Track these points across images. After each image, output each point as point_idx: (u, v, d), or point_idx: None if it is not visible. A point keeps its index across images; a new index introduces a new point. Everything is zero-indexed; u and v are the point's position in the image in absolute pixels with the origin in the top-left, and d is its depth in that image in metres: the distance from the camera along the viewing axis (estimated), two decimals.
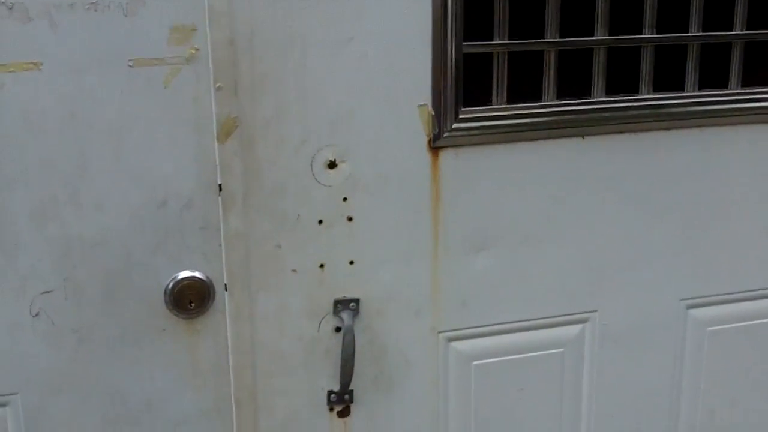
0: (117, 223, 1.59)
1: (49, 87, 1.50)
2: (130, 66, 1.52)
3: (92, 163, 1.55)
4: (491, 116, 1.75)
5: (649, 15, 1.80)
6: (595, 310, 1.92)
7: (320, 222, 1.70)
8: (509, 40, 1.73)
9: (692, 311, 2.01)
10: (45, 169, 1.53)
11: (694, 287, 1.99)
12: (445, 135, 1.72)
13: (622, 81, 1.85)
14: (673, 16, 1.84)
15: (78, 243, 1.58)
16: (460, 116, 1.72)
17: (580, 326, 1.92)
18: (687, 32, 1.84)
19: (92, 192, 1.56)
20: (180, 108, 1.56)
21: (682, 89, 1.87)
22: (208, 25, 1.53)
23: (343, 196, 1.70)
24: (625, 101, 1.83)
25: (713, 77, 1.90)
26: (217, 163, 1.60)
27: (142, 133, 1.56)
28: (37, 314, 1.60)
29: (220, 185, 1.61)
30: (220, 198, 1.62)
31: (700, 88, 1.87)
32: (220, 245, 1.65)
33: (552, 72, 1.77)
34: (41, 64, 1.48)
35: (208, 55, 1.55)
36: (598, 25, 1.78)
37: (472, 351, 1.86)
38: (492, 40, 1.72)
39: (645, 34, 1.81)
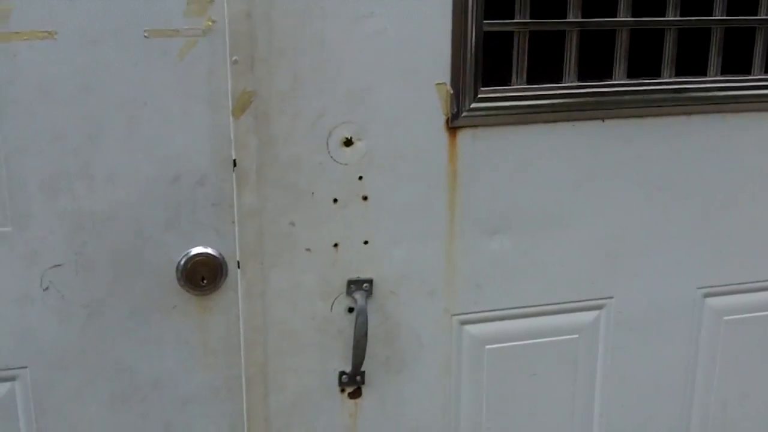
0: (129, 197, 1.57)
1: (63, 56, 1.47)
2: (146, 37, 1.49)
3: (105, 135, 1.53)
4: (510, 96, 1.72)
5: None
6: (611, 297, 1.89)
7: (335, 200, 1.68)
8: (531, 19, 1.70)
9: (709, 300, 1.98)
10: (57, 139, 1.51)
11: (712, 275, 1.96)
12: (463, 115, 1.69)
13: (643, 64, 1.82)
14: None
15: (89, 217, 1.56)
16: (479, 96, 1.69)
17: (595, 312, 1.90)
18: (711, 15, 1.80)
19: (104, 165, 1.54)
20: (195, 81, 1.53)
21: (704, 74, 1.84)
22: None
23: (359, 175, 1.68)
24: (646, 84, 1.79)
25: (736, 62, 1.86)
26: (232, 138, 1.58)
27: (156, 106, 1.53)
28: (47, 288, 1.58)
29: (234, 161, 1.59)
30: (234, 174, 1.60)
31: (723, 73, 1.83)
32: (234, 222, 1.63)
33: (573, 53, 1.74)
34: (56, 33, 1.46)
35: (225, 28, 1.52)
36: (621, 6, 1.74)
37: (486, 335, 1.84)
38: (513, 19, 1.69)
39: (668, 17, 1.78)
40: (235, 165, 1.59)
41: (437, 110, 1.68)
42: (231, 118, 1.57)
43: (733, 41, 1.85)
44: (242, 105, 1.57)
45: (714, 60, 1.84)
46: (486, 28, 1.67)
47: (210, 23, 1.51)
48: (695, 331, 1.98)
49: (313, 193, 1.66)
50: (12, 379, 1.62)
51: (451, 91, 1.68)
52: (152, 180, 1.57)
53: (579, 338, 1.90)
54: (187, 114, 1.54)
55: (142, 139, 1.54)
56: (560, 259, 1.83)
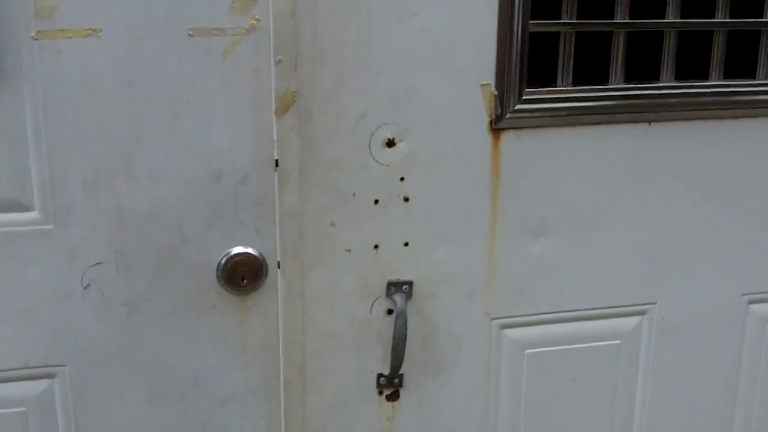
0: (171, 195, 1.56)
1: (107, 54, 1.47)
2: (190, 35, 1.48)
3: (148, 133, 1.52)
4: (555, 98, 1.69)
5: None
6: (654, 302, 1.86)
7: (376, 201, 1.66)
8: (577, 19, 1.67)
9: (753, 306, 1.95)
10: (100, 137, 1.51)
11: (757, 282, 1.92)
12: (507, 116, 1.67)
13: (691, 66, 1.78)
14: (746, 1, 1.77)
15: (131, 215, 1.56)
16: (524, 97, 1.67)
17: (638, 318, 1.87)
18: (761, 17, 1.77)
19: (147, 163, 1.53)
20: (239, 80, 1.52)
21: (753, 77, 1.80)
22: None
23: (401, 176, 1.66)
24: (694, 87, 1.76)
25: None
26: (275, 137, 1.57)
27: (200, 104, 1.52)
28: (87, 286, 1.58)
29: (276, 161, 1.58)
30: (276, 174, 1.59)
31: None
32: (274, 222, 1.62)
33: (620, 54, 1.71)
34: (100, 30, 1.45)
35: (269, 27, 1.51)
36: (670, 7, 1.71)
37: (526, 339, 1.81)
38: (560, 19, 1.66)
39: (717, 18, 1.74)
40: (277, 165, 1.58)
41: (481, 111, 1.66)
42: (274, 118, 1.56)
43: None
44: (285, 105, 1.55)
45: (762, 63, 1.80)
46: (532, 29, 1.64)
47: (254, 22, 1.50)
48: (739, 338, 1.95)
49: (354, 193, 1.65)
50: (51, 376, 1.62)
51: (496, 93, 1.65)
52: (194, 178, 1.56)
53: (621, 344, 1.87)
54: (230, 113, 1.54)
55: (185, 138, 1.54)
56: (603, 263, 1.81)
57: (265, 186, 1.59)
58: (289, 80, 1.54)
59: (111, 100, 1.49)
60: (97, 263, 1.57)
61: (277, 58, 1.52)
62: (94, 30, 1.45)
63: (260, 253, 1.62)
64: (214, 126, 1.54)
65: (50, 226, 1.53)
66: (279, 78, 1.54)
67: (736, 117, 1.80)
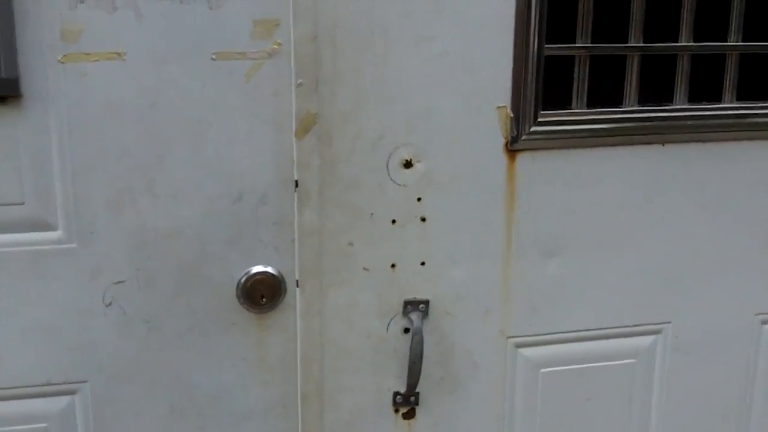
0: (192, 215, 1.59)
1: (131, 77, 1.50)
2: (213, 59, 1.51)
3: (170, 153, 1.55)
4: (571, 120, 1.72)
5: (735, 21, 1.75)
6: (669, 322, 1.88)
7: (393, 221, 1.68)
8: (592, 43, 1.69)
9: (767, 327, 1.95)
10: (123, 157, 1.54)
11: None
12: (523, 138, 1.69)
13: (705, 88, 1.80)
14: (758, 23, 1.79)
15: (153, 233, 1.58)
16: (539, 120, 1.69)
17: (652, 337, 1.88)
18: None
19: (169, 183, 1.56)
20: (260, 103, 1.55)
21: (766, 99, 1.82)
22: (292, 19, 1.52)
23: (418, 196, 1.68)
24: (707, 109, 1.78)
25: None
26: (295, 159, 1.59)
27: (222, 126, 1.55)
28: (109, 303, 1.60)
29: (296, 181, 1.60)
30: (296, 193, 1.61)
31: None
32: (294, 241, 1.64)
33: (634, 77, 1.74)
34: (125, 53, 1.49)
35: (290, 51, 1.54)
36: (683, 30, 1.74)
37: (541, 358, 1.83)
38: (574, 43, 1.69)
39: (730, 41, 1.76)
40: (296, 185, 1.61)
41: (497, 133, 1.69)
42: (294, 139, 1.59)
43: None
44: (305, 126, 1.58)
45: None
46: (547, 52, 1.67)
47: (276, 46, 1.53)
48: (752, 358, 1.96)
49: (372, 213, 1.67)
50: (72, 392, 1.65)
51: (512, 115, 1.68)
52: (216, 198, 1.59)
53: (636, 363, 1.88)
54: (251, 135, 1.56)
55: (207, 158, 1.56)
56: (618, 282, 1.82)
57: (285, 205, 1.61)
58: (310, 102, 1.57)
59: (134, 122, 1.52)
60: (119, 281, 1.59)
61: (299, 81, 1.55)
62: (118, 54, 1.48)
63: (279, 272, 1.65)
64: (235, 147, 1.56)
65: (74, 245, 1.56)
66: (300, 100, 1.57)
67: (751, 139, 1.82)
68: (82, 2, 1.44)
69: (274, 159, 1.59)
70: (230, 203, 1.59)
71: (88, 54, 1.48)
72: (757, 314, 1.93)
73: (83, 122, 1.51)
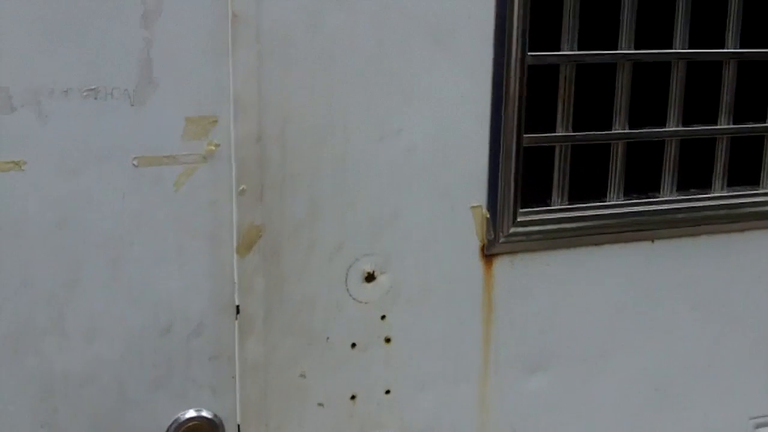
0: (110, 354, 1.30)
1: (33, 190, 1.21)
2: (135, 165, 1.23)
3: (83, 281, 1.26)
4: (552, 219, 1.51)
5: (725, 102, 1.58)
6: None
7: (353, 345, 1.43)
8: (573, 131, 1.49)
9: (761, 430, 1.78)
10: (25, 288, 1.24)
11: (765, 405, 1.76)
12: (501, 240, 1.47)
13: (692, 173, 1.62)
14: (744, 103, 1.62)
15: (61, 380, 1.28)
16: (519, 219, 1.47)
17: None
18: (764, 122, 1.62)
19: (82, 316, 1.27)
20: (193, 215, 1.28)
21: (757, 183, 1.65)
22: (233, 116, 1.26)
23: (382, 314, 1.44)
24: (698, 200, 1.60)
25: None
26: (236, 280, 1.32)
27: (146, 244, 1.27)
28: None
29: (237, 307, 1.33)
30: (236, 322, 1.34)
31: None
32: (234, 377, 1.37)
33: (618, 166, 1.54)
34: (24, 163, 1.19)
35: (230, 152, 1.27)
36: (671, 113, 1.55)
37: None
38: (554, 132, 1.48)
39: (720, 125, 1.59)
40: (238, 311, 1.34)
41: (472, 236, 1.46)
42: (235, 257, 1.32)
43: None
44: (249, 241, 1.31)
45: (767, 169, 1.65)
46: (526, 143, 1.45)
47: (212, 148, 1.26)
48: None
49: (328, 337, 1.41)
50: None
51: (488, 215, 1.45)
52: (139, 331, 1.30)
53: None
54: (182, 253, 1.29)
55: (128, 285, 1.28)
56: (607, 396, 1.62)
57: (224, 336, 1.34)
58: (254, 212, 1.31)
59: (38, 244, 1.23)
60: None
61: (240, 188, 1.29)
62: (16, 163, 1.19)
63: (216, 416, 1.37)
64: (163, 269, 1.29)
65: None
66: (241, 210, 1.30)
67: (743, 230, 1.65)
68: None
69: (210, 281, 1.31)
70: (157, 337, 1.31)
71: None
72: (751, 418, 1.77)
73: None
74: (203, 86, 1.25)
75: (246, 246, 1.32)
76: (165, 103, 1.22)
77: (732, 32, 1.54)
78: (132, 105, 1.21)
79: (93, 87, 1.19)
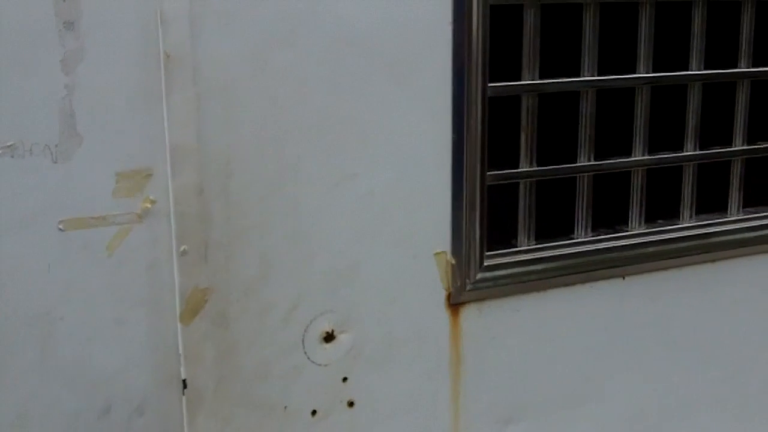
0: None
1: None
2: (61, 230, 1.09)
3: (10, 363, 1.13)
4: (520, 261, 1.42)
5: (691, 127, 1.51)
6: None
7: (314, 413, 1.33)
8: (537, 165, 1.39)
9: None
10: None
11: None
12: (468, 288, 1.37)
13: (659, 202, 1.55)
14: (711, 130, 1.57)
15: None
16: (485, 264, 1.37)
17: None
18: (731, 146, 1.56)
19: (8, 403, 1.13)
20: (130, 281, 1.15)
21: (725, 210, 1.59)
22: (170, 168, 1.12)
23: (343, 376, 1.32)
24: (666, 232, 1.53)
25: (757, 196, 1.62)
26: (181, 351, 1.19)
27: (77, 318, 1.14)
28: None
29: (184, 381, 1.20)
30: (184, 397, 1.20)
31: (744, 207, 1.60)
32: None
33: (585, 200, 1.46)
34: None
35: (168, 209, 1.14)
36: (637, 143, 1.47)
37: None
38: (518, 168, 1.38)
39: (687, 152, 1.52)
40: (185, 385, 1.20)
41: (437, 284, 1.35)
42: (179, 325, 1.18)
43: (754, 173, 1.61)
44: (194, 307, 1.18)
45: (735, 196, 1.59)
46: (490, 181, 1.34)
47: (148, 205, 1.13)
48: None
49: (286, 406, 1.30)
50: None
51: (453, 261, 1.34)
52: (74, 416, 1.18)
53: None
54: (120, 325, 1.16)
55: (60, 364, 1.16)
56: None
57: (171, 414, 1.23)
58: (198, 275, 1.18)
59: None
60: None
61: (181, 248, 1.15)
62: None
63: None
64: (98, 345, 1.16)
65: None
66: (184, 273, 1.17)
67: (713, 260, 1.58)
68: None
69: (152, 354, 1.19)
70: (94, 420, 1.19)
71: None
72: None
73: None
74: (135, 136, 1.11)
75: (191, 312, 1.18)
76: (92, 157, 1.09)
77: (696, 55, 1.47)
78: (55, 162, 1.07)
79: (9, 143, 1.04)
